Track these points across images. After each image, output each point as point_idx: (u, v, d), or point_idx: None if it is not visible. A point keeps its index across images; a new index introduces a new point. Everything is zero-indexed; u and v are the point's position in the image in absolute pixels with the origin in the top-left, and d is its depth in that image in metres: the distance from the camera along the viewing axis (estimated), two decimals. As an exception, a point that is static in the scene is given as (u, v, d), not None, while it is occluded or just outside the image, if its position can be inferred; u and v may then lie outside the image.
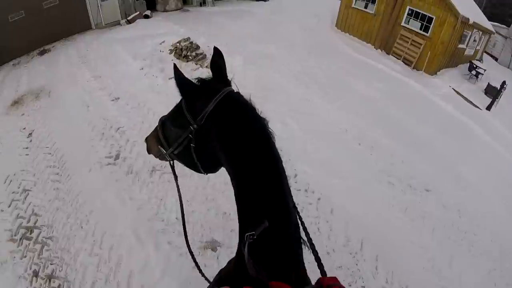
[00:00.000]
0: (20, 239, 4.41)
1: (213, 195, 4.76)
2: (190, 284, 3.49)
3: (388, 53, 11.73)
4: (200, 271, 1.52)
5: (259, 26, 11.51)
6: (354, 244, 4.22)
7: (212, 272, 3.68)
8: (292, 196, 1.09)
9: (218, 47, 1.21)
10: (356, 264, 4.00)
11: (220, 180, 4.76)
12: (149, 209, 4.62)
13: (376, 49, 11.98)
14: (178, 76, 1.07)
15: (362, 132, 6.42)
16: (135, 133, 5.98)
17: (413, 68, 11.09)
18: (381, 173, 5.50)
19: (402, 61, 11.32)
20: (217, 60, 1.17)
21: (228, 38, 9.98)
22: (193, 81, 1.12)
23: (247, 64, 8.26)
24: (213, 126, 1.06)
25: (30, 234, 4.49)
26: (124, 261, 3.97)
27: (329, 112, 6.94)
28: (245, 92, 1.16)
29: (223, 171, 1.22)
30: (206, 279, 1.47)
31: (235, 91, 1.13)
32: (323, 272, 1.09)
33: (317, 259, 1.12)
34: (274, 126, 1.12)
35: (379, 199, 5.01)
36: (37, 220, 4.66)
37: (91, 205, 4.74)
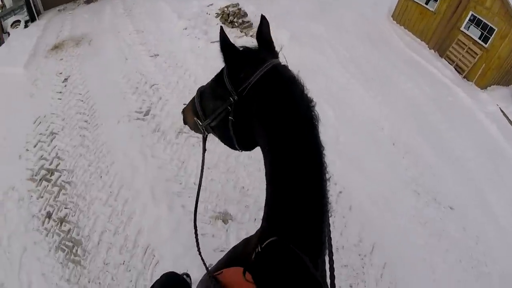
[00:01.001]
0: (40, 179, 4.60)
1: (235, 167, 4.77)
2: (195, 251, 3.57)
3: (441, 56, 11.10)
4: (199, 249, 1.48)
5: (312, 4, 10.99)
6: (365, 246, 4.19)
7: (218, 244, 3.78)
8: (327, 193, 0.97)
9: (266, 18, 1.13)
10: (363, 267, 3.99)
11: (245, 153, 4.76)
12: (169, 169, 4.71)
13: (430, 49, 11.34)
14: (224, 39, 1.00)
15: (398, 133, 6.19)
16: (169, 92, 6.04)
17: (464, 77, 10.48)
18: (409, 180, 5.34)
19: (454, 67, 10.69)
20: (264, 30, 1.10)
21: (278, 10, 9.59)
22: (238, 48, 1.05)
23: (293, 40, 7.99)
24: (256, 99, 0.98)
25: (50, 176, 4.68)
26: (136, 217, 4.10)
27: (369, 106, 6.70)
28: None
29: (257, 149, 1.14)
30: (202, 260, 1.43)
31: (283, 64, 1.05)
32: (332, 283, 0.93)
33: (331, 270, 0.96)
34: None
35: (400, 206, 4.89)
36: (59, 163, 4.84)
37: (113, 157, 4.87)
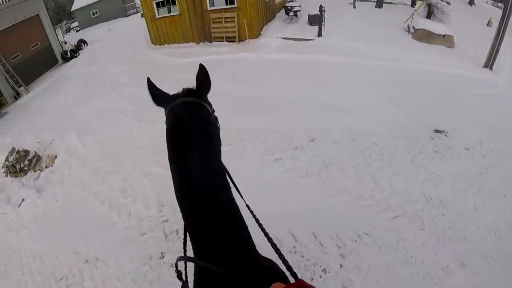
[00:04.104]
0: None
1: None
2: None
3: (211, 42, 11.40)
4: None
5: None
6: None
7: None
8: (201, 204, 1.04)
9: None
10: None
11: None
12: None
13: (198, 44, 11.56)
14: (150, 85, 1.27)
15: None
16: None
17: (239, 41, 10.93)
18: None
19: (226, 41, 11.08)
20: (197, 76, 1.24)
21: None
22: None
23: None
24: None
25: None
26: None
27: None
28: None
29: None
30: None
31: (179, 102, 1.15)
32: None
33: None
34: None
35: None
36: None
37: None
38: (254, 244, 1.12)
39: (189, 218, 1.05)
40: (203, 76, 1.22)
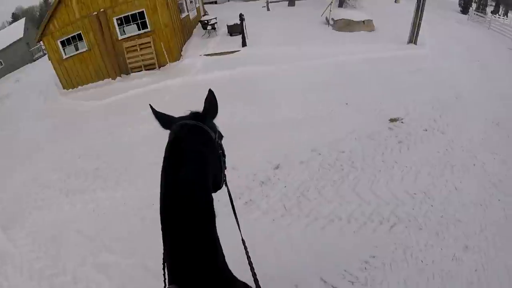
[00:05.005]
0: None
1: None
2: None
3: (129, 74, 10.30)
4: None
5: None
6: None
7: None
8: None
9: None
10: None
11: None
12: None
13: (115, 78, 10.38)
14: (153, 112, 1.24)
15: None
16: None
17: (159, 67, 10.02)
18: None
19: (146, 70, 10.09)
20: (206, 100, 1.22)
21: None
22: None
23: None
24: None
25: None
26: None
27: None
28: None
29: None
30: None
31: (178, 125, 1.15)
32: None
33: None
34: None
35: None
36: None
37: None
38: (231, 273, 1.10)
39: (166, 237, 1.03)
40: (210, 101, 1.22)
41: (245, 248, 1.24)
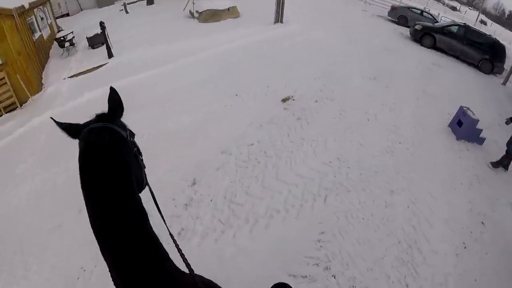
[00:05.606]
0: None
1: None
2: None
3: (-17, 122, 8.43)
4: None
5: None
6: None
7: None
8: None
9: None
10: None
11: None
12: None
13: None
14: (58, 124, 1.14)
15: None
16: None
17: (21, 105, 8.45)
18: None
19: (7, 112, 8.39)
20: (109, 98, 1.17)
21: None
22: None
23: None
24: None
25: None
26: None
27: None
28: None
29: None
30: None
31: (88, 129, 1.08)
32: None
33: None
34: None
35: None
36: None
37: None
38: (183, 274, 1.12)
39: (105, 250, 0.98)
40: (113, 99, 1.14)
41: (172, 236, 1.21)
